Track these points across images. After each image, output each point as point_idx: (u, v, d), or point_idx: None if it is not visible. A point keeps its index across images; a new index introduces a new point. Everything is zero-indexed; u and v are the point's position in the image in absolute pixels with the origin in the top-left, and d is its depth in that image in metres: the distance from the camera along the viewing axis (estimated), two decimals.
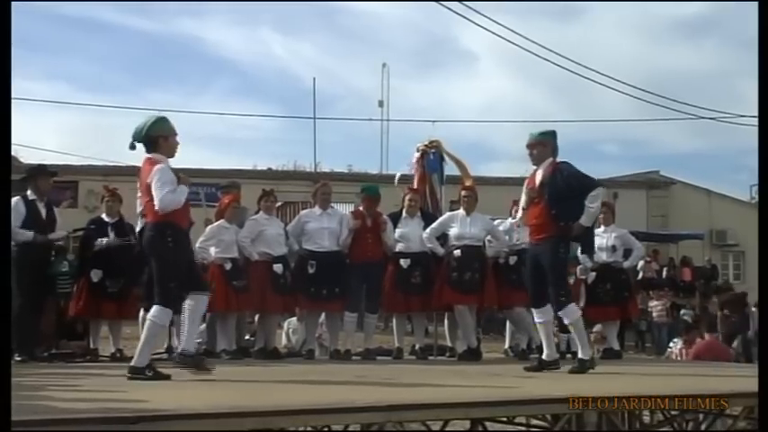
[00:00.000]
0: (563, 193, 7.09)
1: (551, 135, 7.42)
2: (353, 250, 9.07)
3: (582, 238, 7.43)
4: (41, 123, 53.75)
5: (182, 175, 6.24)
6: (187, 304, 6.25)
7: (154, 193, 6.03)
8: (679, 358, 11.43)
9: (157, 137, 6.21)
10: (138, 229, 8.22)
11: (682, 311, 20.56)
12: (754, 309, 21.10)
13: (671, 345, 12.66)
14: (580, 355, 7.14)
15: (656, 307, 19.87)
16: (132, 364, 6.04)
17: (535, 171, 7.35)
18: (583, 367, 7.01)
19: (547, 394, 5.39)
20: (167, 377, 5.97)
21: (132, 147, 6.24)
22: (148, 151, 6.24)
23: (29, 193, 8.33)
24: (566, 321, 7.26)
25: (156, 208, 6.04)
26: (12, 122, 4.97)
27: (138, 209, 6.55)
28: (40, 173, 8.61)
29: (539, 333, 7.50)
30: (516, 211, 9.64)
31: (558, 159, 7.32)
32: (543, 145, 7.30)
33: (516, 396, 5.36)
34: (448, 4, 16.59)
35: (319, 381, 6.28)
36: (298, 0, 50.84)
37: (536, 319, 7.33)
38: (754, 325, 19.91)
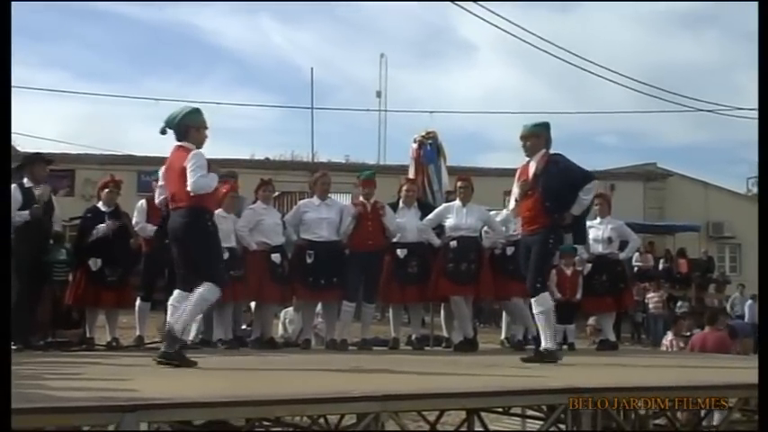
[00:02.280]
0: (558, 186, 7.13)
1: (545, 127, 7.43)
2: (354, 238, 9.05)
3: (573, 228, 7.49)
4: (39, 111, 53.67)
5: (213, 165, 6.39)
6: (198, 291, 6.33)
7: (189, 175, 6.16)
8: (669, 350, 11.51)
9: (189, 127, 6.42)
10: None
11: (678, 303, 20.59)
12: (750, 300, 21.28)
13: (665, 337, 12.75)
14: (543, 346, 7.20)
15: (652, 299, 19.91)
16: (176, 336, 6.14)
17: (528, 163, 7.37)
18: (540, 357, 7.07)
19: (543, 385, 5.40)
20: (194, 363, 6.07)
21: (163, 132, 6.45)
22: (179, 139, 6.43)
23: (25, 180, 8.31)
24: (535, 309, 7.29)
25: (189, 188, 6.16)
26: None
27: (158, 198, 6.62)
28: (35, 160, 8.59)
29: (537, 323, 7.50)
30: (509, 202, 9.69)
31: (552, 151, 7.34)
32: (537, 137, 7.32)
33: (512, 386, 5.37)
34: None
35: (315, 370, 6.29)
36: None
37: (534, 310, 7.31)
38: (752, 316, 20.05)
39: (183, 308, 6.22)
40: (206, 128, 6.51)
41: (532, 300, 7.30)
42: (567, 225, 7.31)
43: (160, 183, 6.57)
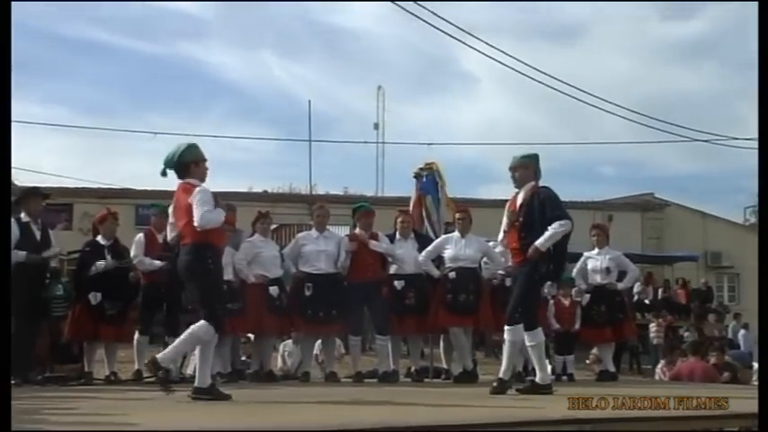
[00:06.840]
0: (533, 220, 7.07)
1: (534, 158, 7.39)
2: (353, 271, 9.08)
3: (548, 265, 7.13)
4: (39, 146, 53.75)
5: (219, 200, 6.42)
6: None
7: (194, 211, 6.17)
8: (662, 378, 11.50)
9: (189, 163, 6.42)
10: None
11: (687, 333, 20.53)
12: (743, 330, 21.29)
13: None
14: (500, 375, 7.19)
15: (652, 328, 19.90)
16: (196, 385, 6.21)
17: (517, 194, 7.34)
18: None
19: (543, 416, 5.38)
20: (228, 397, 6.17)
21: (164, 173, 6.45)
22: (180, 177, 6.44)
23: (22, 215, 8.32)
24: (506, 337, 7.22)
25: (196, 224, 6.17)
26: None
27: (169, 236, 6.66)
28: (31, 194, 8.61)
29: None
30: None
31: (545, 183, 7.30)
32: (525, 167, 7.29)
33: (512, 418, 5.35)
34: (445, 28, 16.61)
35: (315, 403, 6.27)
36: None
37: (527, 342, 7.20)
38: (747, 345, 20.04)
39: (176, 342, 6.32)
40: (205, 160, 6.52)
41: (505, 327, 7.20)
42: (541, 259, 7.02)
43: (171, 220, 6.61)
